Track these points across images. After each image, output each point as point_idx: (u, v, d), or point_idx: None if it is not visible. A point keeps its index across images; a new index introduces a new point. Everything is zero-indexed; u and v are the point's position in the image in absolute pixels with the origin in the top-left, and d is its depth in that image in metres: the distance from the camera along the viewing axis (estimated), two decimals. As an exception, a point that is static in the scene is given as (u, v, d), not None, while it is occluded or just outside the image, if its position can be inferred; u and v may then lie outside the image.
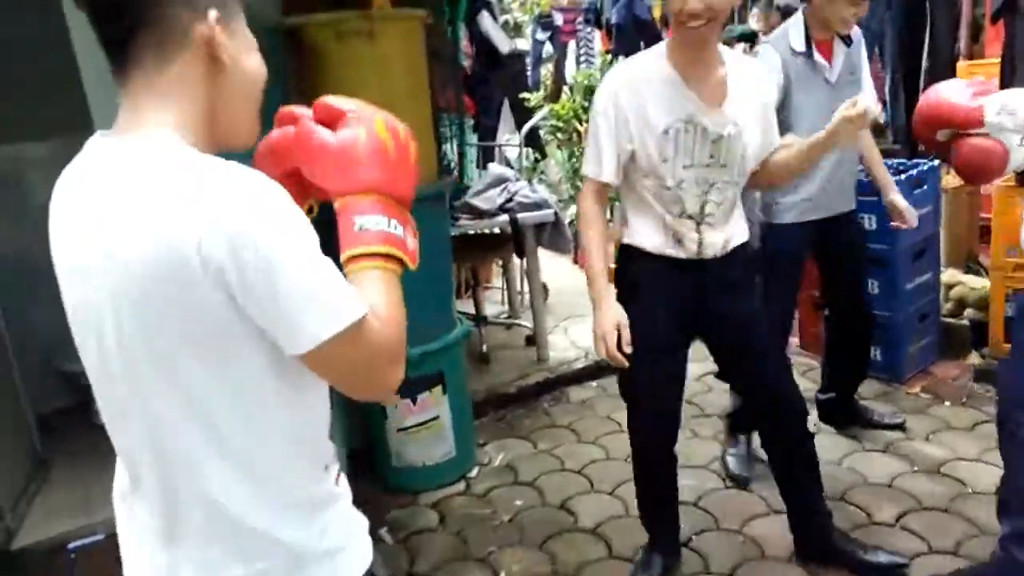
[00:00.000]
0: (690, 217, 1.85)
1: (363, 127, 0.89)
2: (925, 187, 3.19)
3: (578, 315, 4.29)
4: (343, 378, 0.87)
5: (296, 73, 2.54)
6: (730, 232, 1.91)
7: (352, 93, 0.95)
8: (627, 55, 3.77)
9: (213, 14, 0.85)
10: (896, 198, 2.65)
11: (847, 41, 2.55)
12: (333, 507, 0.96)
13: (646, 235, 1.91)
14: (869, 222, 3.05)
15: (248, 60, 0.91)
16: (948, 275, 3.54)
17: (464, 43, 4.55)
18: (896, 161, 3.36)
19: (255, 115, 0.94)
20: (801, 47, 2.52)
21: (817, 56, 2.52)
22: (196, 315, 0.79)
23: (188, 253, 0.76)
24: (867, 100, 1.82)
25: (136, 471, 0.90)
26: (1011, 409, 1.85)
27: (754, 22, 3.50)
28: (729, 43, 3.58)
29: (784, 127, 2.50)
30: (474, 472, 2.89)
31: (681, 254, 1.88)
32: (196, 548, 0.88)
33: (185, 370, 0.82)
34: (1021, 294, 1.84)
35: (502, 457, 3.00)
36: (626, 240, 1.95)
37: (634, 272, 1.96)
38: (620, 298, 1.88)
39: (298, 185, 0.93)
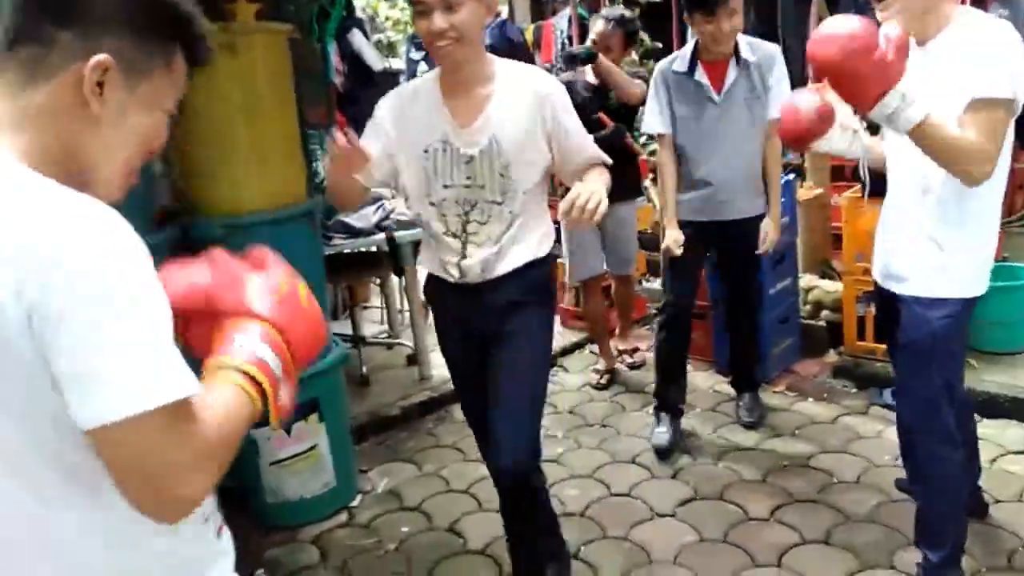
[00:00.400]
0: (454, 236, 1.83)
1: (289, 280, 0.92)
2: (783, 199, 3.38)
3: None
4: (131, 471, 0.71)
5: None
6: (499, 254, 1.81)
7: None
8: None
9: (99, 58, 0.76)
10: (764, 224, 2.78)
11: (740, 61, 2.67)
12: (216, 568, 0.87)
13: (426, 258, 1.97)
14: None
15: (135, 116, 0.82)
16: (806, 280, 3.77)
17: (335, 60, 4.43)
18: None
19: (125, 169, 0.84)
20: (681, 68, 2.71)
21: (699, 76, 2.69)
22: (5, 364, 0.69)
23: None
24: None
25: None
26: (912, 439, 1.94)
27: (592, 34, 3.40)
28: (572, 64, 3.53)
29: (673, 134, 2.77)
30: (357, 501, 2.77)
31: (448, 277, 1.87)
32: None
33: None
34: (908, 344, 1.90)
35: (386, 482, 2.89)
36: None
37: (428, 294, 2.05)
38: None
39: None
